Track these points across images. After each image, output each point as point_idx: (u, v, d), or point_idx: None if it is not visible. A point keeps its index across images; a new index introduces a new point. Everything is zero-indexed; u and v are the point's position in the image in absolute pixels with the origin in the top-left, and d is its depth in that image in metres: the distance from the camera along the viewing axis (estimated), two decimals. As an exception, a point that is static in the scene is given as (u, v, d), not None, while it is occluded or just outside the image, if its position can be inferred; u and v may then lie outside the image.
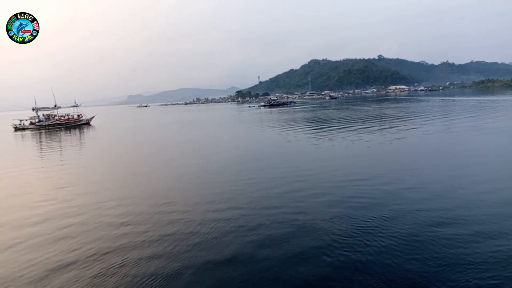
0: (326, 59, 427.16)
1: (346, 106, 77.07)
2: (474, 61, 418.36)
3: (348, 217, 9.13)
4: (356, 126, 32.74)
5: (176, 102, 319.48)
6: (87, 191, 13.58)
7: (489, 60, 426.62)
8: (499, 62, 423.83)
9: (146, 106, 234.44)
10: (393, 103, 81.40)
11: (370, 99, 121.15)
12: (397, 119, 37.76)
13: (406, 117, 39.13)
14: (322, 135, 27.20)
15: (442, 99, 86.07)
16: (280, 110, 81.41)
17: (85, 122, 60.11)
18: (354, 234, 8.09)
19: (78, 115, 60.70)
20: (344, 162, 17.00)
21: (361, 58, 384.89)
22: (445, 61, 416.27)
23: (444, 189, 11.31)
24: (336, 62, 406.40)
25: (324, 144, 23.01)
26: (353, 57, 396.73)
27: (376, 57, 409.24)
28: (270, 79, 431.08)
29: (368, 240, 7.73)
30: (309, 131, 30.73)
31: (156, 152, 24.92)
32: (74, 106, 63.82)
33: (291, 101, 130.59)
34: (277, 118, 54.07)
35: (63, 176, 17.17)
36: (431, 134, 24.83)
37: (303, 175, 14.24)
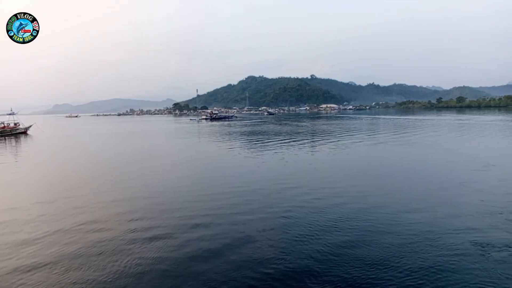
0: (263, 76, 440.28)
1: (285, 122, 79.82)
2: (397, 83, 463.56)
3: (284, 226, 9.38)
4: (309, 139, 34.12)
5: (108, 113, 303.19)
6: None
7: (409, 83, 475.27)
8: (418, 85, 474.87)
9: (76, 117, 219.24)
10: (328, 120, 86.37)
11: (304, 116, 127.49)
12: (338, 134, 40.06)
13: (344, 133, 41.69)
14: (276, 148, 27.73)
15: (373, 117, 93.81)
16: (222, 123, 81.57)
17: (22, 131, 55.63)
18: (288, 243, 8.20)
19: (15, 124, 55.83)
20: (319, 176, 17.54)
21: (296, 77, 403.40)
22: (371, 82, 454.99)
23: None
24: (272, 79, 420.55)
25: (277, 157, 23.47)
26: (288, 76, 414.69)
27: (309, 77, 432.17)
28: (208, 92, 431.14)
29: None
30: (259, 144, 31.19)
31: (104, 165, 22.78)
32: (10, 114, 58.69)
33: (232, 115, 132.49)
34: (222, 131, 53.88)
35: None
36: (365, 147, 26.95)
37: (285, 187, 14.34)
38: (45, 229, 9.69)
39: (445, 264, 7.14)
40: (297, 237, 8.75)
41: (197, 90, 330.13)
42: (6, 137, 48.64)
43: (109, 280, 6.76)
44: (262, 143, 32.49)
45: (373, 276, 6.75)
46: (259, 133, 46.11)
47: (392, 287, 6.38)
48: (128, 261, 7.55)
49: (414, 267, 7.06)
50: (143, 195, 13.45)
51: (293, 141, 33.47)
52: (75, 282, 6.74)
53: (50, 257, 7.88)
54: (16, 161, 25.27)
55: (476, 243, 8.14)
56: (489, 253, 7.59)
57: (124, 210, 11.39)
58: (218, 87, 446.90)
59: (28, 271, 7.22)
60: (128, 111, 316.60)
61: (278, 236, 8.87)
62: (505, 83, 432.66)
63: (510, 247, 7.87)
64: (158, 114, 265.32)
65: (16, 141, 41.94)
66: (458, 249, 7.85)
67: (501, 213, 10.26)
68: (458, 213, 10.46)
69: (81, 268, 7.28)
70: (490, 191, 12.89)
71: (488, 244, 8.07)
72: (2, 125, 54.53)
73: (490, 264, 7.11)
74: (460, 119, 70.28)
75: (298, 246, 8.19)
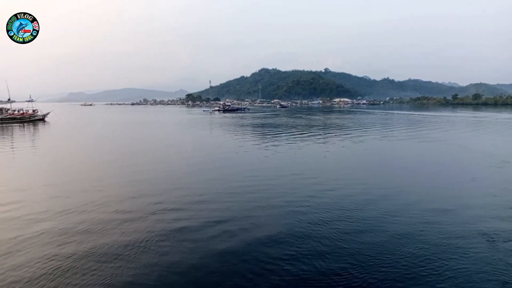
0: (276, 68, 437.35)
1: (299, 115, 79.68)
2: (412, 79, 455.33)
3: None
4: (323, 132, 34.48)
5: (122, 102, 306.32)
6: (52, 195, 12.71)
7: (424, 79, 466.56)
8: (433, 81, 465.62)
9: (91, 105, 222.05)
10: (342, 114, 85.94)
11: (317, 110, 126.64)
12: (353, 128, 40.19)
13: (358, 127, 41.71)
14: (292, 141, 28.14)
15: (387, 112, 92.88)
16: (235, 115, 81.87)
17: (40, 117, 57.12)
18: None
19: (34, 110, 57.48)
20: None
21: (309, 70, 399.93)
22: (386, 77, 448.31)
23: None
24: (285, 72, 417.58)
25: (298, 149, 23.93)
26: (301, 69, 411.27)
27: (323, 70, 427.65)
28: (220, 84, 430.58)
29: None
30: (285, 136, 31.70)
31: (129, 154, 23.45)
32: (29, 101, 60.24)
33: (244, 107, 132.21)
34: (236, 122, 54.26)
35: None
36: (382, 142, 27.16)
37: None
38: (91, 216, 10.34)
39: (453, 252, 7.48)
40: (310, 223, 9.23)
41: (210, 81, 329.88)
42: (25, 123, 50.15)
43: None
44: (278, 135, 32.91)
45: (382, 262, 7.16)
46: (273, 125, 46.37)
47: (399, 272, 6.74)
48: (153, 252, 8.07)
49: (422, 253, 7.42)
50: (171, 186, 13.67)
51: (308, 134, 33.70)
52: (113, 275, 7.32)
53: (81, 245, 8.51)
54: (39, 147, 26.19)
55: (485, 233, 8.45)
56: (497, 244, 7.89)
57: (146, 197, 12.01)
58: (231, 79, 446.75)
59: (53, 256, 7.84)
60: (142, 101, 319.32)
61: (293, 222, 9.37)
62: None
63: None
64: (171, 104, 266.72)
65: (34, 128, 43.16)
66: (467, 238, 8.19)
67: (511, 208, 10.50)
68: (469, 205, 10.77)
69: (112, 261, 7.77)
70: (503, 186, 13.08)
71: (496, 235, 8.37)
72: (22, 112, 56.15)
73: (498, 254, 7.40)
74: (476, 116, 69.25)
75: (312, 232, 8.67)
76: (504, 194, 11.92)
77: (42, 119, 57.02)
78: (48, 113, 59.42)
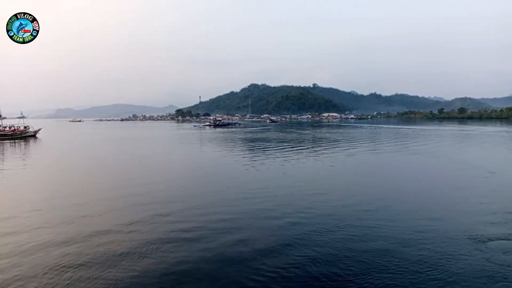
0: (265, 84, 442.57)
1: (289, 129, 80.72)
2: (399, 93, 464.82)
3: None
4: (314, 146, 35.19)
5: (111, 118, 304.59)
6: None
7: (411, 93, 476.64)
8: (420, 95, 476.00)
9: (79, 121, 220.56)
10: (331, 128, 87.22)
11: (306, 124, 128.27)
12: (343, 142, 41.02)
13: (348, 141, 42.62)
14: (289, 154, 28.72)
15: (375, 127, 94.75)
16: (226, 130, 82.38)
17: (32, 134, 56.73)
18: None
19: (25, 127, 57.14)
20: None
21: (298, 86, 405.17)
22: (373, 92, 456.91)
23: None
24: (274, 87, 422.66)
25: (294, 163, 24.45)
26: (290, 84, 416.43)
27: (311, 85, 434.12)
28: (210, 99, 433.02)
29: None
30: (275, 151, 32.29)
31: (119, 171, 23.84)
32: (20, 118, 59.99)
33: (235, 122, 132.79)
34: (227, 137, 54.68)
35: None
36: (375, 154, 27.93)
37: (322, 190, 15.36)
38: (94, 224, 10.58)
39: (443, 254, 8.14)
40: (310, 231, 9.83)
41: (199, 96, 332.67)
42: (17, 140, 49.68)
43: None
44: (273, 149, 33.54)
45: (378, 264, 7.81)
46: (266, 140, 46.98)
47: (395, 275, 7.32)
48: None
49: (415, 257, 8.09)
50: (167, 199, 14.24)
51: (300, 148, 34.41)
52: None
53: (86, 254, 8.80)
54: (28, 164, 26.13)
55: (472, 237, 9.17)
56: (483, 245, 8.60)
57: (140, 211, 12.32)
58: (221, 94, 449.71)
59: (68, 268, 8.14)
60: (131, 116, 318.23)
61: (293, 230, 9.94)
62: (506, 95, 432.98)
63: (503, 240, 8.92)
64: (160, 120, 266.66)
65: (26, 144, 42.72)
66: (456, 241, 8.89)
67: (495, 213, 11.30)
68: (458, 212, 11.59)
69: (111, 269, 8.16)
70: (489, 195, 13.92)
71: (484, 237, 9.11)
72: (13, 128, 55.73)
73: (484, 255, 8.08)
74: (463, 130, 71.24)
75: (306, 240, 9.25)
76: (491, 202, 12.72)
77: (34, 136, 56.56)
78: (39, 130, 58.96)
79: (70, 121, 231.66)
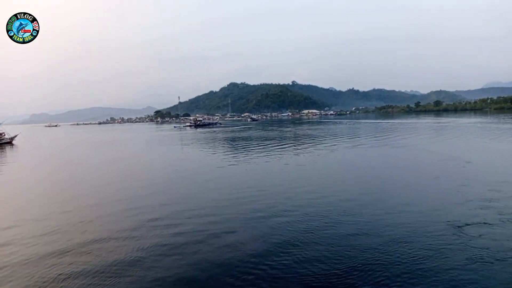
0: (245, 82, 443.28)
1: (271, 128, 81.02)
2: (376, 88, 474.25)
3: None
4: (297, 143, 35.52)
5: (88, 122, 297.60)
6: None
7: (388, 88, 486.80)
8: (396, 90, 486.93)
9: (56, 126, 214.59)
10: (312, 125, 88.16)
11: (287, 122, 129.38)
12: (325, 138, 41.64)
13: (330, 137, 43.33)
14: (273, 152, 28.88)
15: (354, 122, 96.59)
16: (207, 130, 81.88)
17: (8, 141, 54.50)
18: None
19: (0, 134, 54.86)
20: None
21: (277, 84, 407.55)
22: (351, 88, 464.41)
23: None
24: (254, 86, 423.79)
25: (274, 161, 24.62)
26: (270, 82, 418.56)
27: (291, 83, 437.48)
28: (189, 99, 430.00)
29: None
30: (255, 149, 32.40)
31: (99, 174, 23.47)
32: None
33: (216, 122, 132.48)
34: (209, 137, 54.47)
35: None
36: (357, 149, 28.49)
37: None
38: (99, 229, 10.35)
39: (425, 241, 8.58)
40: (304, 229, 10.13)
41: (179, 97, 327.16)
42: None
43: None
44: (256, 148, 33.63)
45: (364, 258, 8.17)
46: (248, 139, 47.04)
47: (378, 265, 7.71)
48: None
49: (396, 244, 8.52)
50: (152, 203, 14.17)
51: (283, 146, 34.64)
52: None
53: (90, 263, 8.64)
54: (7, 172, 25.33)
55: (451, 223, 9.67)
56: (462, 231, 9.07)
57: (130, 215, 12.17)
58: (200, 94, 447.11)
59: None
60: (109, 119, 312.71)
61: (282, 230, 10.22)
62: (479, 87, 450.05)
63: (480, 224, 9.46)
64: (139, 122, 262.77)
65: (2, 151, 41.27)
66: (436, 227, 9.40)
67: (472, 200, 11.88)
68: (437, 200, 12.11)
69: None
70: (466, 183, 14.61)
71: (461, 223, 9.66)
72: None
73: (463, 239, 8.57)
74: (439, 122, 73.40)
75: (306, 236, 9.53)
76: (466, 190, 13.36)
77: (10, 142, 54.58)
78: (15, 136, 56.92)
79: (46, 126, 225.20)
